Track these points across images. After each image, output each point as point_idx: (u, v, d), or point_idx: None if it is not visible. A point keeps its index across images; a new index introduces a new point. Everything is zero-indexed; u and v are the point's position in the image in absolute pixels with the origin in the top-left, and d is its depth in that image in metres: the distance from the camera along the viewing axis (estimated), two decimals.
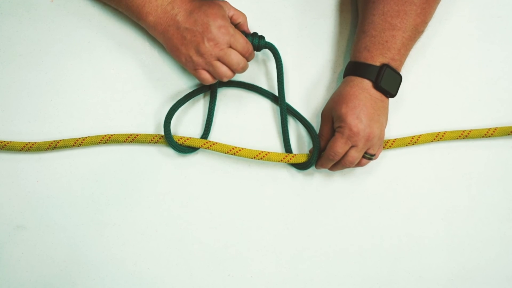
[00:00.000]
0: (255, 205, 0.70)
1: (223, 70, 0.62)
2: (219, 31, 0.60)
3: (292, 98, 0.70)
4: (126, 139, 0.67)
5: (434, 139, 0.70)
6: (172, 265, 0.69)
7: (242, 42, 0.61)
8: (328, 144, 0.64)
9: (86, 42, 0.69)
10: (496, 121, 0.73)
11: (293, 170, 0.70)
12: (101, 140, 0.67)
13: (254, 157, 0.66)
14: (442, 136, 0.70)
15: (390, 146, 0.69)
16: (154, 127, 0.69)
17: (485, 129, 0.71)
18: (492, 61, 0.73)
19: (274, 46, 0.66)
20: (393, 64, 0.63)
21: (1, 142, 0.66)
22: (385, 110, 0.64)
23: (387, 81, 0.62)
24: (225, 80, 0.63)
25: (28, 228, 0.67)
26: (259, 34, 0.66)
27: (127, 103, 0.69)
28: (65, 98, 0.68)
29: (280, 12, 0.71)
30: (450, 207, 0.72)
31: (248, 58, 0.64)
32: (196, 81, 0.70)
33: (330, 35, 0.72)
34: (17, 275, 0.67)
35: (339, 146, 0.62)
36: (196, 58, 0.61)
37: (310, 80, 0.71)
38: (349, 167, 0.65)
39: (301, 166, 0.69)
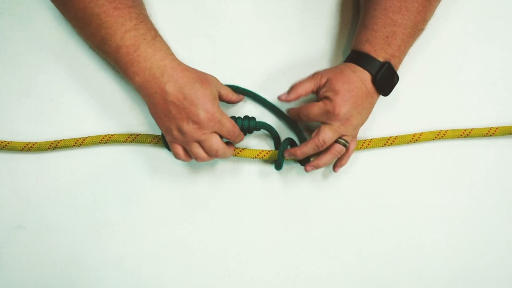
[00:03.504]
0: (255, 205, 0.70)
1: (199, 152, 0.60)
2: (206, 116, 0.57)
3: None
4: (127, 139, 0.67)
5: (436, 137, 0.70)
6: (172, 265, 0.69)
7: (228, 127, 0.60)
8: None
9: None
10: (497, 121, 0.73)
11: (294, 170, 0.70)
12: (101, 140, 0.67)
13: (256, 157, 0.66)
14: (444, 134, 0.70)
15: (391, 144, 0.69)
16: (155, 127, 0.69)
17: (486, 128, 0.71)
18: (492, 61, 0.73)
19: (268, 125, 0.67)
20: (393, 61, 0.63)
21: (2, 142, 0.66)
22: (371, 106, 0.64)
23: (385, 79, 0.63)
24: (200, 161, 0.62)
25: (28, 228, 0.67)
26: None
27: (127, 103, 0.69)
28: (65, 98, 0.68)
29: (280, 12, 0.71)
30: (450, 207, 0.72)
31: (234, 141, 0.63)
32: None
33: (330, 35, 0.72)
34: (17, 275, 0.67)
35: (316, 110, 0.62)
36: (176, 134, 0.59)
37: None
38: (319, 146, 0.62)
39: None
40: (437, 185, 0.72)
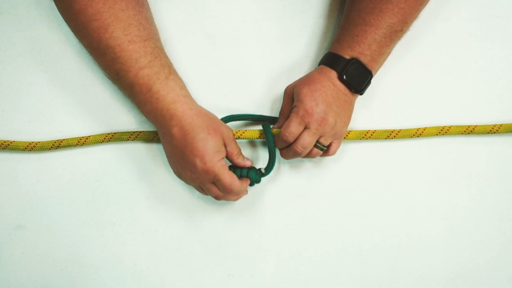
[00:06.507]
0: (255, 204, 0.70)
1: (204, 193, 0.64)
2: (202, 168, 0.57)
3: None
4: (129, 137, 0.67)
5: (439, 132, 0.70)
6: (172, 265, 0.69)
7: (225, 183, 0.58)
8: (283, 125, 0.63)
9: None
10: (499, 119, 0.73)
11: (294, 170, 0.70)
12: (104, 138, 0.67)
13: (259, 137, 0.66)
14: (447, 130, 0.70)
15: (395, 136, 0.69)
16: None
17: (490, 125, 0.71)
18: (493, 60, 0.73)
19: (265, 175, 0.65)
20: (362, 59, 0.62)
21: (4, 142, 0.66)
22: (347, 104, 0.63)
23: (352, 75, 0.62)
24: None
25: (28, 228, 0.67)
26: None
27: (127, 102, 0.69)
28: (65, 98, 0.68)
29: (280, 12, 0.71)
30: (450, 206, 0.72)
31: (232, 196, 0.63)
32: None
33: (330, 34, 0.72)
34: (17, 275, 0.67)
35: (293, 125, 0.61)
36: (179, 175, 0.62)
37: None
38: (300, 153, 0.62)
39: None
40: (437, 184, 0.72)
